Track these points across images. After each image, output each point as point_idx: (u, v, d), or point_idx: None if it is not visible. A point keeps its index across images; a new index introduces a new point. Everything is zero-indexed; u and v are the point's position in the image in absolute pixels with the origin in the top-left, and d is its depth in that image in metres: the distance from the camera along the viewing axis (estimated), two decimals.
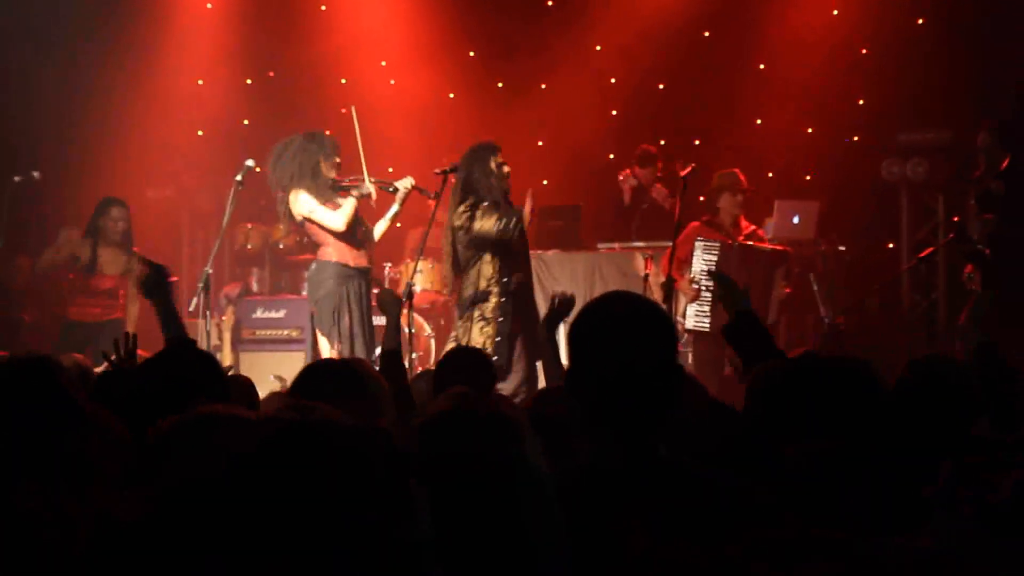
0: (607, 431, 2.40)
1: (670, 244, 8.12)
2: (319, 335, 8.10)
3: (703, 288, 8.54)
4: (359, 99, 11.07)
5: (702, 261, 8.61)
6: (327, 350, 7.80)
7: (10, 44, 10.68)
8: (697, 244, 8.63)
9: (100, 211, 9.19)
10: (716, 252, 8.55)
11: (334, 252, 8.18)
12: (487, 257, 7.64)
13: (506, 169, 7.72)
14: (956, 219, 9.68)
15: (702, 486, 2.31)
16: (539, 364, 7.68)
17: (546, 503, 1.99)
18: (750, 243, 8.65)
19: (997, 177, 8.48)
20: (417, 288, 8.91)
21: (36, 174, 9.22)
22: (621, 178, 10.02)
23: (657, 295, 8.10)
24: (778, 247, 8.88)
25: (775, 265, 8.63)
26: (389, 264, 10.43)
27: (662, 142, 10.20)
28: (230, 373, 4.58)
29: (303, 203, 8.14)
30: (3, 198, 9.17)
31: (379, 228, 8.65)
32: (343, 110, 11.25)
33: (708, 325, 8.51)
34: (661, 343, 2.46)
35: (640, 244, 9.57)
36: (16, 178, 9.19)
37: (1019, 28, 9.82)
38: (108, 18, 10.86)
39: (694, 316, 8.55)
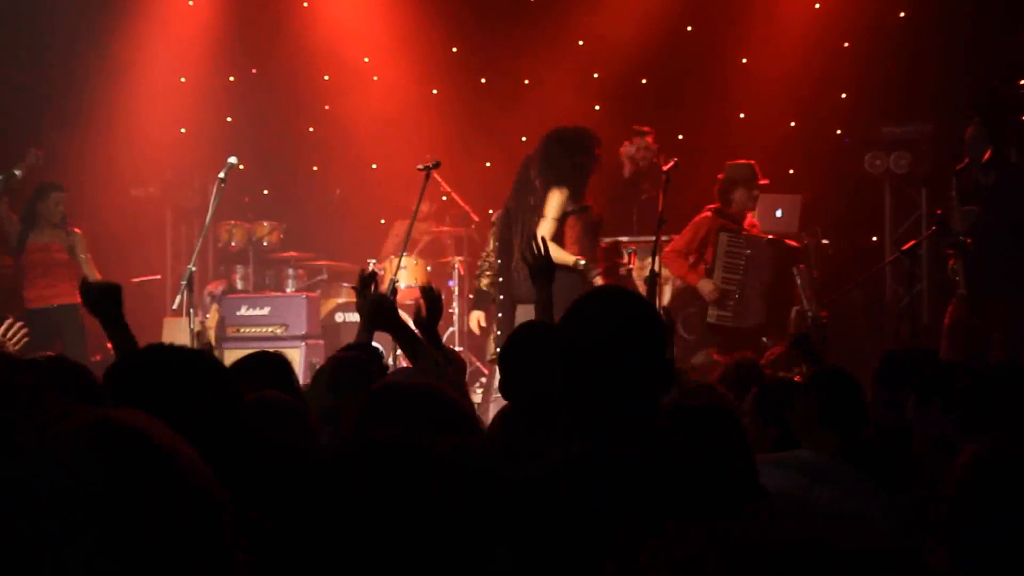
0: (597, 422, 2.47)
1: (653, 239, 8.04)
2: None
3: (727, 285, 8.49)
4: (342, 95, 11.51)
5: (727, 254, 8.54)
6: None
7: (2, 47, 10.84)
8: (721, 238, 8.53)
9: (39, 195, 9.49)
10: (743, 245, 8.53)
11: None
12: None
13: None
14: (939, 211, 9.67)
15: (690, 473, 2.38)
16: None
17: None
18: (774, 237, 8.71)
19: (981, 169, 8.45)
20: (401, 285, 9.00)
21: (17, 173, 9.37)
22: (623, 151, 9.89)
23: (641, 289, 8.17)
24: (795, 243, 8.95)
25: (797, 260, 8.68)
26: (373, 261, 10.51)
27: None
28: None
29: (554, 204, 7.79)
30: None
31: None
32: (326, 106, 11.66)
33: (731, 320, 8.51)
34: (647, 338, 2.53)
35: (624, 239, 9.56)
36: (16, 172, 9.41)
37: (1000, 20, 9.91)
38: (89, 16, 10.91)
39: (719, 310, 8.48)
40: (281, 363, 3.88)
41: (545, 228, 7.63)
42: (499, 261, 8.14)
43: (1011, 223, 8.17)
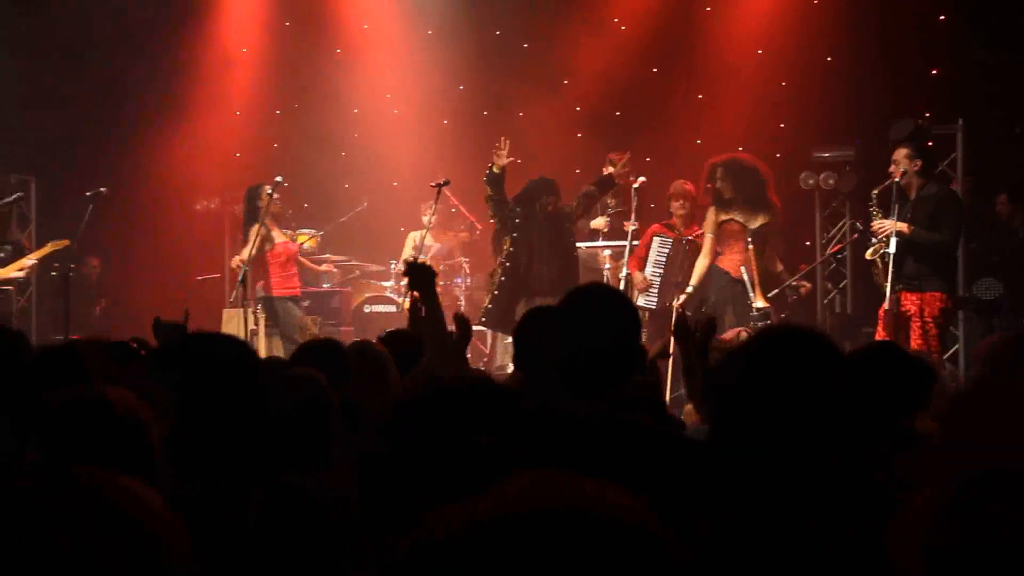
0: (579, 391, 2.60)
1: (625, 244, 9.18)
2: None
3: (653, 278, 9.54)
4: (369, 125, 11.98)
5: (656, 253, 9.61)
6: None
7: (95, 91, 11.57)
8: (655, 239, 9.62)
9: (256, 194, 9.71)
10: (669, 246, 9.59)
11: (725, 259, 9.08)
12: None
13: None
14: (859, 223, 9.99)
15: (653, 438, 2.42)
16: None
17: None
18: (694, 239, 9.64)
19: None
20: None
21: (104, 190, 9.82)
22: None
23: (615, 285, 9.01)
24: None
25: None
26: (394, 261, 11.19)
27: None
28: None
29: (707, 222, 9.25)
30: (79, 209, 9.89)
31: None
32: (355, 134, 12.15)
33: (655, 304, 9.54)
34: (624, 324, 2.74)
35: (601, 244, 10.28)
36: (88, 193, 9.84)
37: (910, 61, 10.60)
38: (163, 60, 11.69)
39: (644, 297, 9.54)
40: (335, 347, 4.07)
41: (707, 243, 9.21)
42: (510, 253, 8.98)
43: None
